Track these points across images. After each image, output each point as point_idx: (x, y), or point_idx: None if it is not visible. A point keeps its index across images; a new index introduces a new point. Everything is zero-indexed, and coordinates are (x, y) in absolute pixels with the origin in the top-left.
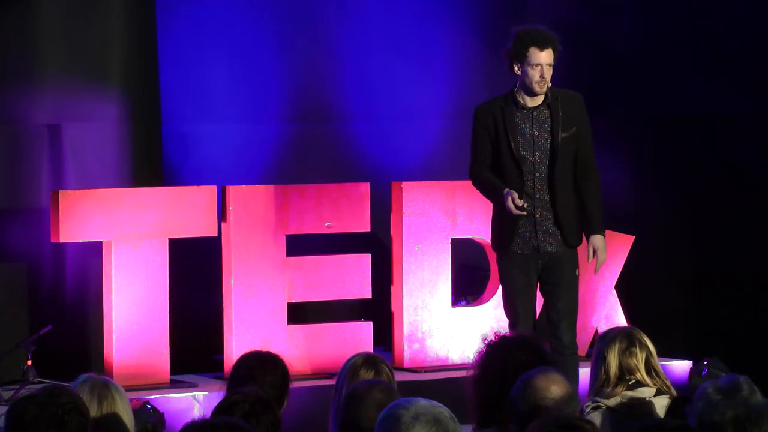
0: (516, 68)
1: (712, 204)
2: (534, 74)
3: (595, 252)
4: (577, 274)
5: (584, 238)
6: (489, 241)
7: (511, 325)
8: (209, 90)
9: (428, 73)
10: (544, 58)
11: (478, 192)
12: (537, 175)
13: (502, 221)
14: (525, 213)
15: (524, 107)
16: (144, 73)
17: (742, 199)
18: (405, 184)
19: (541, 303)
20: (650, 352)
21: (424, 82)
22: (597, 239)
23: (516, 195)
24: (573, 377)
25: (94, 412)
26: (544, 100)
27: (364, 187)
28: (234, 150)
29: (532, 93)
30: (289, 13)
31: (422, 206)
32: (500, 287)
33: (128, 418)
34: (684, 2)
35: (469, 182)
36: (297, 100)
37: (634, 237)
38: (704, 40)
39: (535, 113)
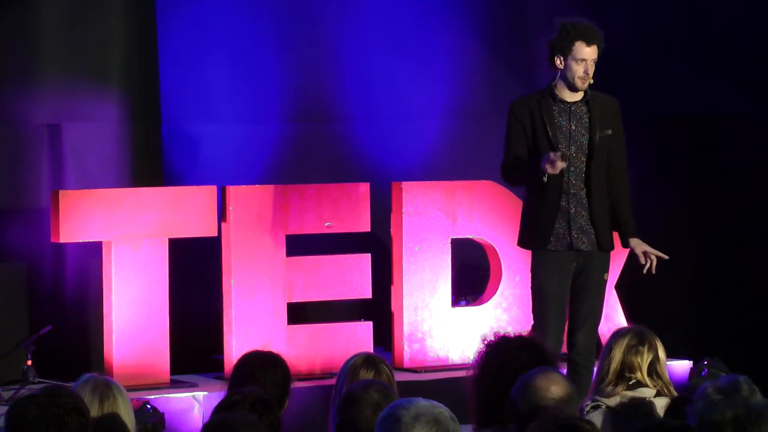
0: (558, 61)
1: (712, 204)
2: (578, 69)
3: (645, 253)
4: (605, 278)
5: (617, 242)
6: (516, 239)
7: (537, 333)
8: (209, 90)
9: (428, 73)
10: (589, 53)
11: (478, 192)
12: (572, 169)
13: (537, 217)
14: (565, 163)
15: (562, 101)
16: (144, 73)
17: (742, 199)
18: (405, 184)
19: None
20: (657, 356)
21: (424, 82)
22: (638, 241)
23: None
24: (584, 385)
25: (95, 412)
26: (583, 97)
27: (364, 187)
28: (234, 150)
29: (573, 88)
30: (290, 13)
31: (422, 206)
32: (531, 287)
33: (129, 419)
34: (684, 2)
35: (470, 182)
36: (297, 100)
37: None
38: (704, 40)
39: (572, 108)
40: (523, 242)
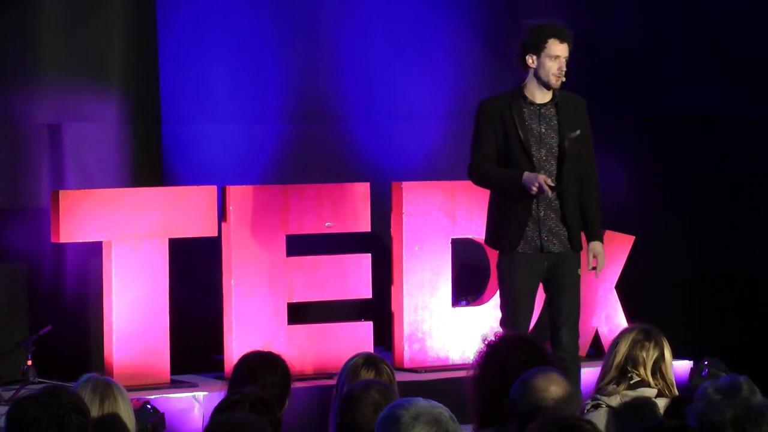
0: (531, 60)
1: (712, 204)
2: (552, 66)
3: (595, 257)
4: (578, 274)
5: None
6: (485, 239)
7: (506, 327)
8: (209, 90)
9: (428, 73)
10: (563, 50)
11: (478, 192)
12: (543, 172)
13: (506, 220)
14: (553, 192)
15: (532, 103)
16: (144, 73)
17: (743, 199)
18: (405, 184)
19: (540, 304)
20: (663, 354)
21: (424, 82)
22: (597, 245)
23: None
24: (573, 380)
25: (95, 412)
26: (552, 98)
27: (364, 187)
28: (234, 150)
29: (547, 86)
30: (289, 13)
31: (422, 206)
32: (500, 286)
33: (129, 419)
34: (684, 2)
35: (470, 182)
36: (297, 100)
37: (634, 237)
38: (704, 40)
39: (542, 110)
40: (491, 242)
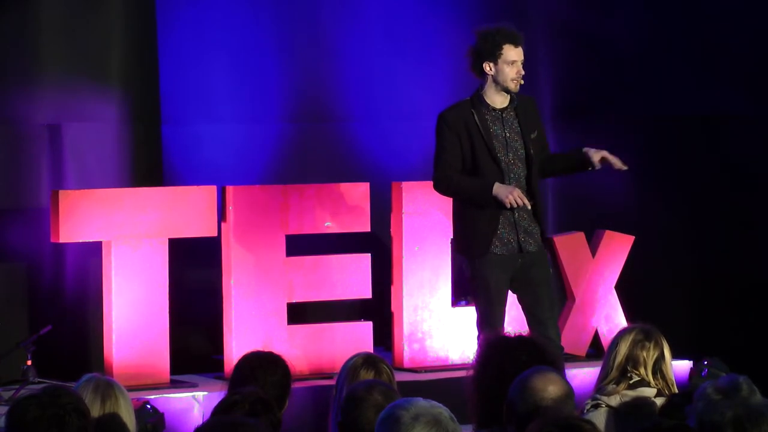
0: (488, 67)
1: (712, 204)
2: (510, 72)
3: (601, 156)
4: (550, 271)
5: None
6: (455, 247)
7: (486, 328)
8: (209, 90)
9: (428, 73)
10: (518, 54)
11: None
12: (512, 176)
13: (477, 223)
14: (529, 205)
15: (493, 109)
16: (144, 73)
17: (743, 199)
18: (405, 184)
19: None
20: (663, 354)
21: (424, 82)
22: (589, 149)
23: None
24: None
25: (96, 412)
26: (510, 102)
27: (364, 187)
28: (234, 150)
29: (507, 91)
30: (289, 13)
31: (422, 206)
32: (472, 288)
33: (130, 419)
34: (684, 2)
35: None
36: (297, 100)
37: (634, 237)
38: (704, 41)
39: (504, 114)
40: (462, 250)
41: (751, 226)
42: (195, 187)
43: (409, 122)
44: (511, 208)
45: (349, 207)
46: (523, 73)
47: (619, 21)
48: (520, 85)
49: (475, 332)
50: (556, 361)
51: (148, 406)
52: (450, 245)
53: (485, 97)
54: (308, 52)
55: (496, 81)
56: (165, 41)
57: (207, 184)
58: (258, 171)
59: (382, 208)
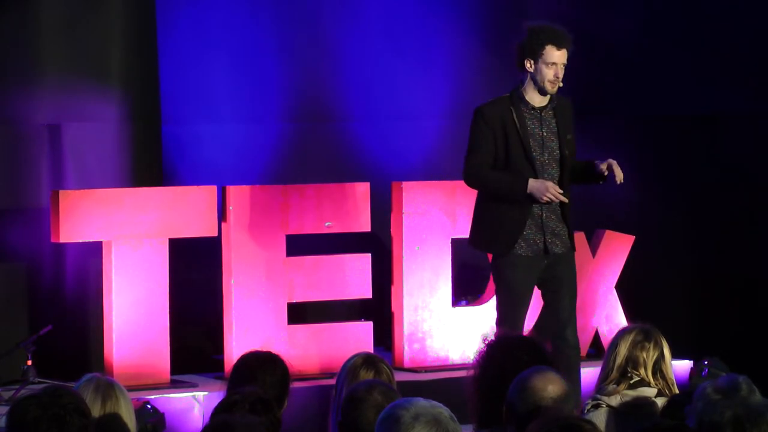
0: (528, 64)
1: (712, 204)
2: (548, 73)
3: (608, 164)
4: (575, 272)
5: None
6: (469, 240)
7: (503, 327)
8: (209, 90)
9: (428, 73)
10: (559, 57)
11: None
12: (546, 176)
13: (503, 221)
14: (566, 200)
15: (533, 107)
16: (144, 73)
17: (743, 199)
18: (405, 184)
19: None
20: (663, 354)
21: (424, 82)
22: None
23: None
24: (577, 377)
25: (97, 412)
26: (549, 101)
27: (364, 187)
28: (234, 150)
29: (543, 92)
30: (289, 13)
31: (422, 206)
32: (496, 288)
33: (131, 419)
34: (684, 2)
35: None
36: (297, 100)
37: (634, 237)
38: (704, 40)
39: (542, 113)
40: (481, 245)
41: (751, 226)
42: (195, 187)
43: (409, 122)
44: (540, 209)
45: (349, 207)
46: (562, 75)
47: (619, 21)
48: (559, 87)
49: (483, 332)
50: (555, 361)
51: (148, 406)
52: (450, 245)
53: (524, 94)
54: (308, 52)
55: (534, 79)
56: (165, 41)
57: (207, 184)
58: (258, 171)
59: (382, 208)
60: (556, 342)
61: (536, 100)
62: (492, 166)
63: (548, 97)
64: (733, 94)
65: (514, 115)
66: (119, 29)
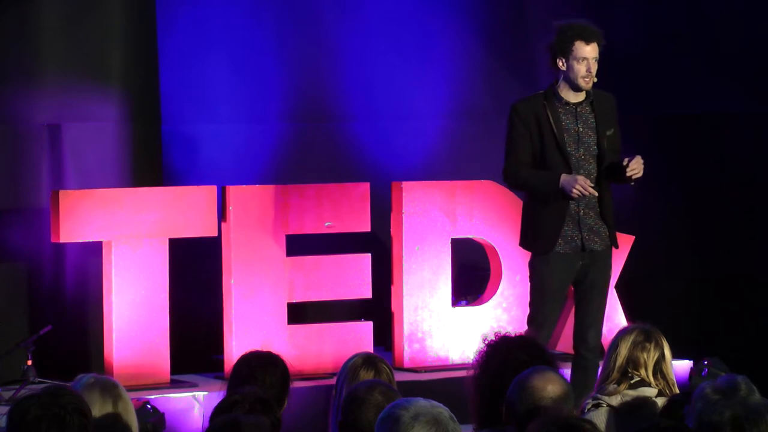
0: (560, 63)
1: (712, 204)
2: (580, 69)
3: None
4: (610, 274)
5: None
6: (518, 240)
7: (533, 326)
8: (209, 90)
9: (429, 73)
10: (590, 51)
11: (478, 192)
12: (582, 172)
13: (543, 220)
14: (595, 193)
15: (567, 103)
16: (144, 73)
17: (743, 199)
18: (405, 184)
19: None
20: (663, 354)
21: (424, 83)
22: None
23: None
24: (593, 380)
25: (97, 412)
26: (586, 97)
27: (364, 187)
28: (234, 150)
29: (577, 89)
30: (289, 13)
31: (422, 206)
32: (530, 284)
33: (132, 420)
34: (684, 2)
35: (470, 182)
36: (297, 100)
37: (634, 237)
38: (705, 40)
39: (578, 109)
40: (526, 245)
41: (751, 225)
42: (195, 187)
43: (409, 122)
44: (577, 205)
45: (349, 207)
46: (594, 69)
47: (619, 21)
48: (594, 83)
49: (483, 332)
50: (589, 363)
51: (149, 406)
52: (450, 245)
53: (559, 91)
54: (308, 52)
55: (567, 77)
56: (165, 41)
57: (207, 184)
58: (258, 171)
59: (382, 208)
60: (577, 343)
61: (571, 96)
62: (531, 164)
63: (584, 93)
64: (733, 94)
65: (548, 111)
66: (119, 29)
